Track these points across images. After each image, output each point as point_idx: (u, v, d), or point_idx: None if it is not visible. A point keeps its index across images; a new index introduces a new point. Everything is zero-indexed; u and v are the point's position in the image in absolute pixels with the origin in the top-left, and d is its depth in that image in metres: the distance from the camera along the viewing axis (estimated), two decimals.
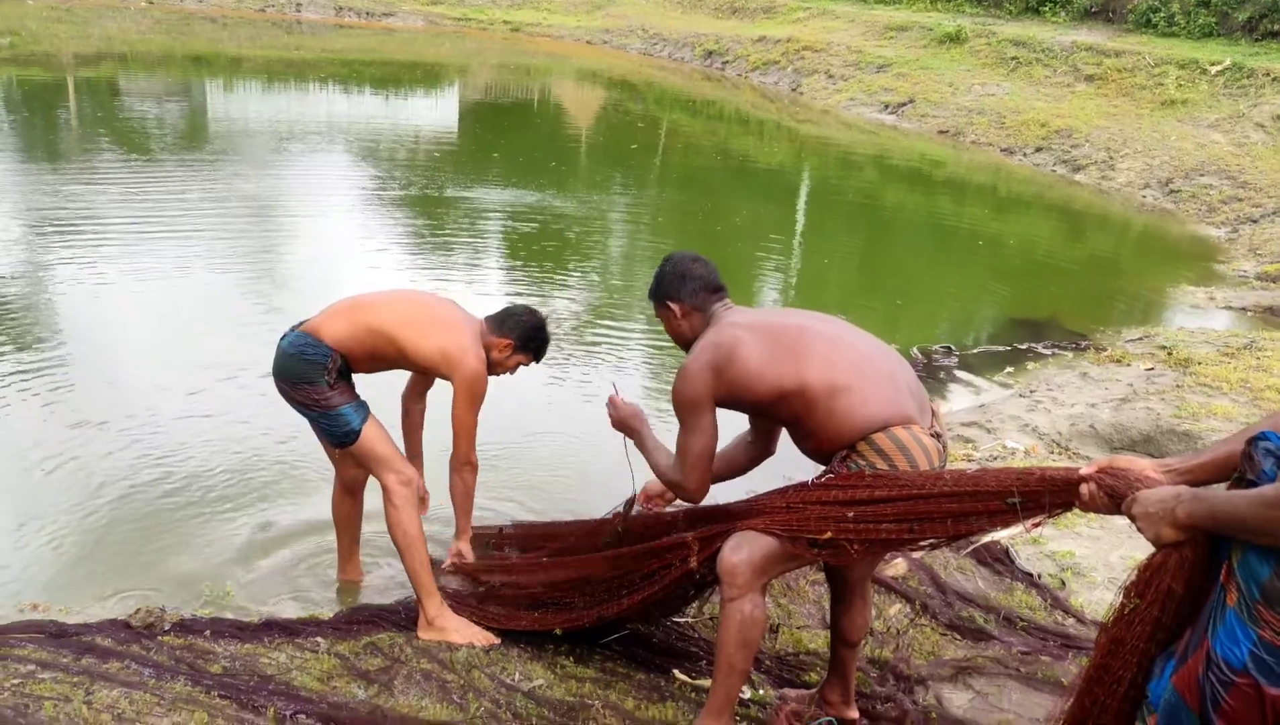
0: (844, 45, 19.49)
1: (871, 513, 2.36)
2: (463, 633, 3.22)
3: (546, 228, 9.46)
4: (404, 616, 3.35)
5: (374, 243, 8.44)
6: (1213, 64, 14.89)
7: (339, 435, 3.22)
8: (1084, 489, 2.00)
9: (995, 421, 5.56)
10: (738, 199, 11.67)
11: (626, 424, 2.99)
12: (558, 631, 3.17)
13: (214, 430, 4.77)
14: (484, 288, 7.44)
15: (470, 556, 3.50)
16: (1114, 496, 1.92)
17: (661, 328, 2.98)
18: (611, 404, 3.03)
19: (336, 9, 25.57)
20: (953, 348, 6.86)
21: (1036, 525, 2.10)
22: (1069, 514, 4.11)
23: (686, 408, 2.65)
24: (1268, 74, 14.23)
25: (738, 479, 3.10)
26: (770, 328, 2.66)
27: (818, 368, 2.53)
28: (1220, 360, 6.37)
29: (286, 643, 3.07)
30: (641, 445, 2.93)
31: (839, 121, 16.68)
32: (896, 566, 3.84)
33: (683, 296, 2.81)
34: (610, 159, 14.01)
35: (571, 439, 5.09)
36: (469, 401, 3.23)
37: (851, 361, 2.57)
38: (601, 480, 4.57)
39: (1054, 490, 2.08)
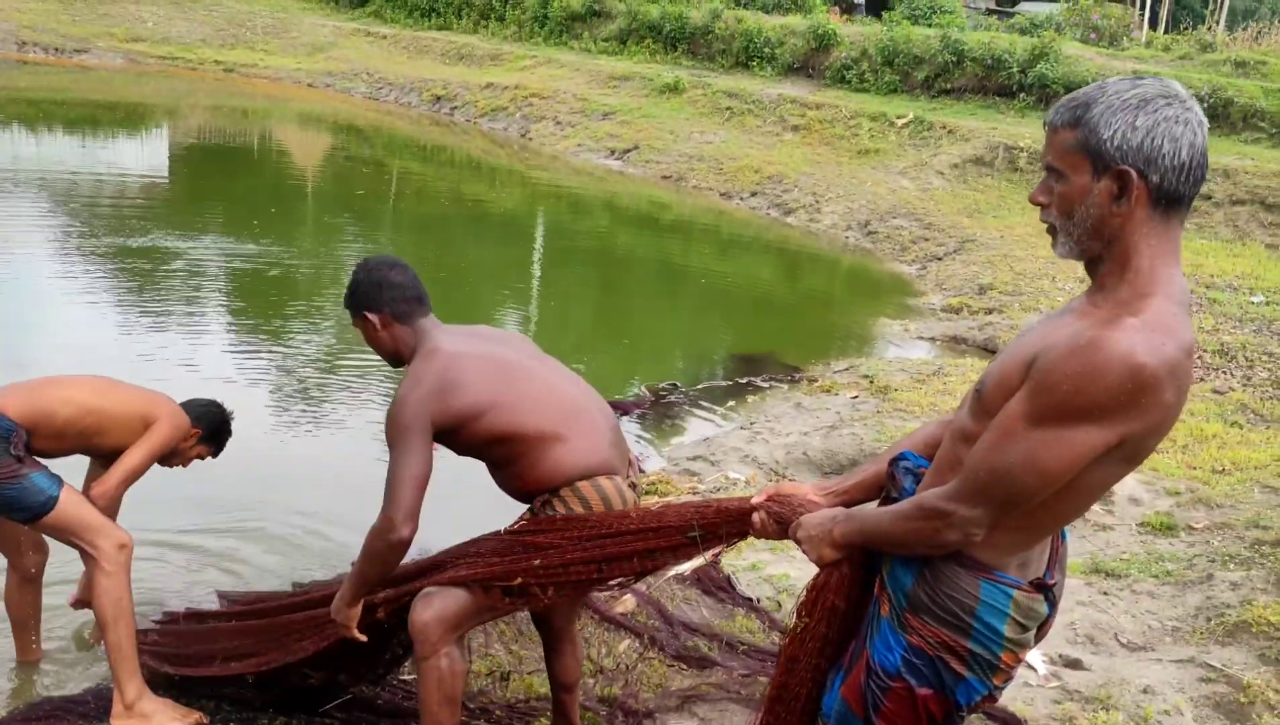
0: (570, 93, 19.97)
1: (559, 557, 2.37)
2: (167, 716, 2.97)
3: (266, 277, 9.02)
4: (93, 706, 3.05)
5: (69, 297, 7.71)
6: (898, 117, 16.50)
7: (34, 506, 2.89)
8: (755, 518, 2.10)
9: (718, 454, 5.83)
10: (470, 245, 11.64)
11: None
12: (250, 679, 3.00)
13: None
14: (199, 343, 6.98)
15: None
16: (781, 522, 2.03)
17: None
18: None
19: (19, 44, 23.10)
20: (679, 384, 7.14)
21: (716, 556, 2.20)
22: (783, 541, 4.40)
23: (401, 433, 2.45)
24: (944, 127, 15.96)
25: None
26: (493, 359, 2.62)
27: (533, 415, 2.54)
28: (913, 386, 7.00)
29: None
30: (350, 589, 2.59)
31: (568, 167, 17.05)
32: (625, 603, 3.91)
33: (382, 306, 2.65)
34: (337, 205, 13.58)
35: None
36: (150, 447, 3.10)
37: (566, 410, 2.60)
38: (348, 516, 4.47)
39: (730, 521, 2.18)
